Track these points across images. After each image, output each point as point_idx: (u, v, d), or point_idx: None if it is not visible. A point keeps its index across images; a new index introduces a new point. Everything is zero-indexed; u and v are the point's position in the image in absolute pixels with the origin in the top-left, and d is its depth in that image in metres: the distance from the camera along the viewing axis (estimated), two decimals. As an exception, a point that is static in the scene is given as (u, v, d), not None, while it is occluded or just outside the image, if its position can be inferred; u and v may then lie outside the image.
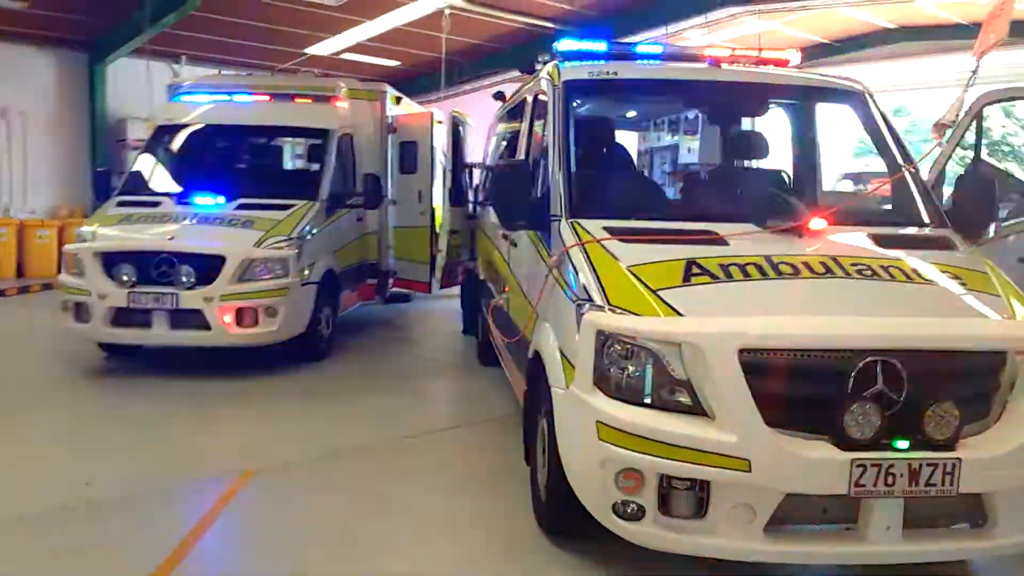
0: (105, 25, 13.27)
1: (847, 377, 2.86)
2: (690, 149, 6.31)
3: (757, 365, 2.83)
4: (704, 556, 3.00)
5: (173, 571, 3.40)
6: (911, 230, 3.93)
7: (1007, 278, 3.53)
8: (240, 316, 6.44)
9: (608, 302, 3.18)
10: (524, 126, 5.10)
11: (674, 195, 4.75)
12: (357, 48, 15.38)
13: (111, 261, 6.41)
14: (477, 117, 9.65)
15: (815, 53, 15.39)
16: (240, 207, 7.04)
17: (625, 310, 3.12)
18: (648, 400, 2.98)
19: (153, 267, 6.39)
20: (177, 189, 7.47)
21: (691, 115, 6.16)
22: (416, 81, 16.73)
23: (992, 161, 4.59)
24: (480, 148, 8.71)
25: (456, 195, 8.00)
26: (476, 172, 8.41)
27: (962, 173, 4.19)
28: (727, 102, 4.92)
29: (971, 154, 5.52)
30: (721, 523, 2.88)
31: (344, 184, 8.00)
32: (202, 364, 6.91)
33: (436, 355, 7.99)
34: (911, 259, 3.49)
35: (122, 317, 6.37)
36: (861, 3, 11.91)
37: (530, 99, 5.18)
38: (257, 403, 6.07)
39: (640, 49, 4.78)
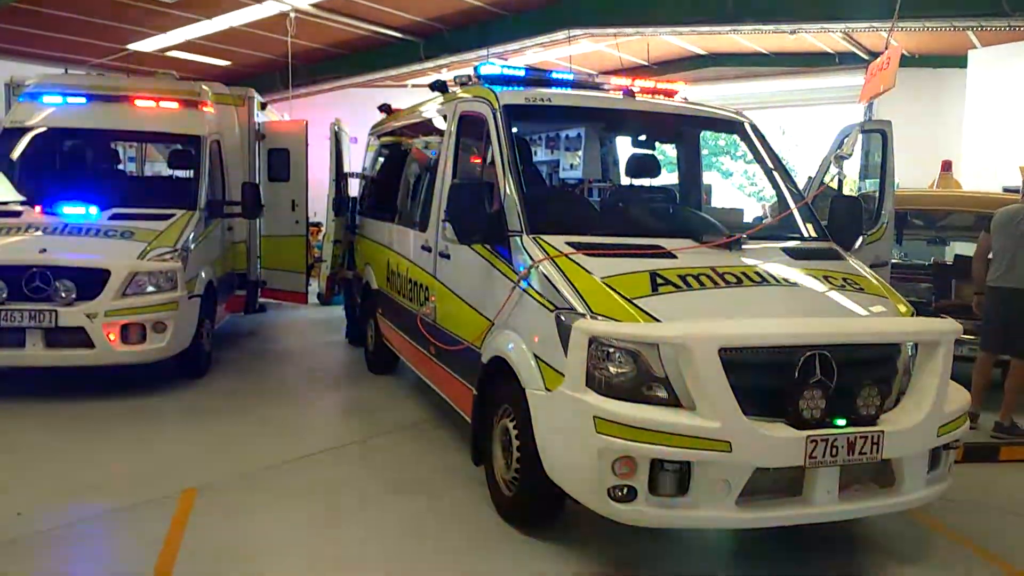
0: None
1: (794, 368, 3.42)
2: (603, 167, 6.80)
3: (730, 362, 3.31)
4: (686, 528, 3.45)
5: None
6: (807, 244, 4.63)
7: (883, 280, 4.34)
8: (126, 332, 6.11)
9: (591, 310, 3.55)
10: (446, 142, 5.31)
11: (612, 212, 5.18)
12: (186, 46, 14.61)
13: None
14: (318, 121, 9.45)
15: (636, 73, 16.73)
16: (115, 217, 6.66)
17: (608, 317, 3.50)
18: (633, 395, 3.38)
19: (24, 282, 5.91)
20: (36, 197, 6.88)
21: (601, 138, 6.67)
22: (245, 82, 16.09)
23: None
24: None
25: (339, 205, 8.00)
26: (353, 182, 8.42)
27: (834, 196, 5.01)
28: (641, 128, 5.48)
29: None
30: (701, 498, 3.32)
31: (215, 192, 7.76)
32: (75, 384, 6.43)
33: (321, 366, 7.92)
34: (818, 268, 4.16)
35: (-10, 337, 5.84)
36: (686, 32, 13.17)
37: (448, 117, 5.42)
38: (156, 423, 5.81)
39: (554, 76, 5.25)
